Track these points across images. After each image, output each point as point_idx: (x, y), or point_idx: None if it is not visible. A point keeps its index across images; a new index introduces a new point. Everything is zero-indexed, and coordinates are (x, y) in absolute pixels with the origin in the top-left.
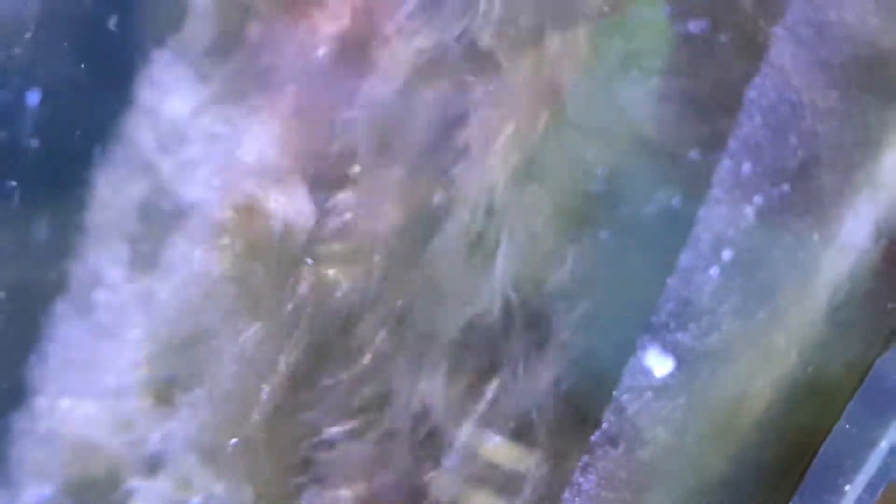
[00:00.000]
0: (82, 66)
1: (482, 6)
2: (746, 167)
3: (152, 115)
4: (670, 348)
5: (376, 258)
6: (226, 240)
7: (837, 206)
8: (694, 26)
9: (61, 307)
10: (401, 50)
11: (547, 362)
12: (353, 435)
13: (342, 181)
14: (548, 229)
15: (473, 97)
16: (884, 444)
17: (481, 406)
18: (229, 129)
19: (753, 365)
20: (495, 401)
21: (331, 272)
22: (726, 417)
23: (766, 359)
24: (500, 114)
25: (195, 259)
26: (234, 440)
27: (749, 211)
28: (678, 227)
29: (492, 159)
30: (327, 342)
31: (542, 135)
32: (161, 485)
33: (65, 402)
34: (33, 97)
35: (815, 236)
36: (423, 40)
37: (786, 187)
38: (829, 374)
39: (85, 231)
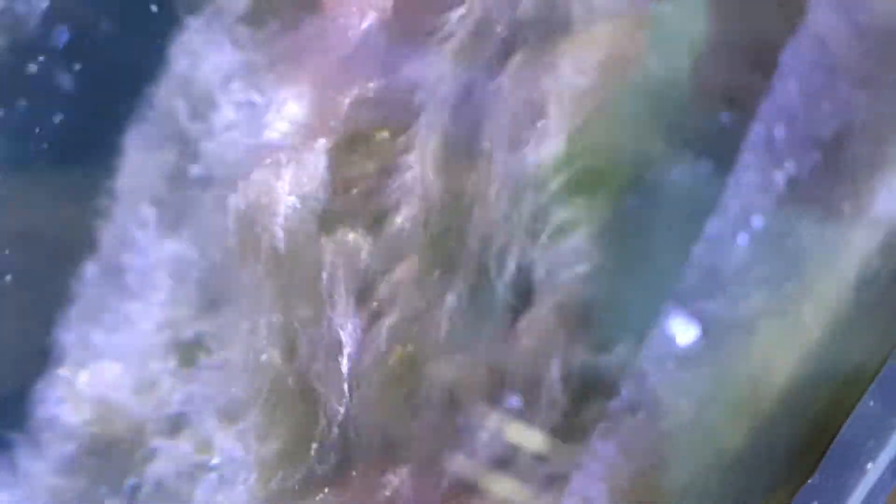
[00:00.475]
0: (115, 31)
1: None
2: (779, 133)
3: (184, 82)
4: (696, 316)
5: (404, 225)
6: (252, 205)
7: (870, 179)
8: None
9: (89, 269)
10: (440, 21)
11: (568, 328)
12: (370, 409)
13: (371, 150)
14: (577, 195)
15: (513, 69)
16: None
17: (504, 378)
18: (260, 97)
19: (778, 338)
20: (515, 371)
21: (352, 237)
22: (749, 390)
23: (792, 332)
24: (539, 87)
25: (221, 223)
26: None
27: (780, 178)
28: (707, 193)
29: (527, 132)
30: (349, 306)
31: (582, 104)
32: (183, 445)
33: (90, 363)
34: (65, 62)
35: (846, 208)
36: (466, 12)
37: (817, 156)
38: (855, 350)
39: (114, 194)
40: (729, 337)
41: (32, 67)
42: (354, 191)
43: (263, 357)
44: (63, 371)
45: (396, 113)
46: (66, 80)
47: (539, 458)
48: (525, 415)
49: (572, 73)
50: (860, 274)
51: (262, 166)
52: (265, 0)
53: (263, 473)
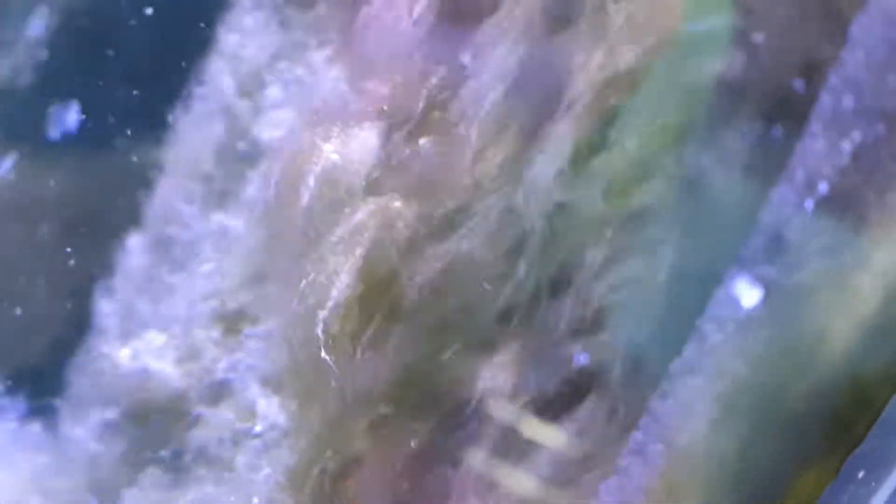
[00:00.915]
0: (167, 10)
1: None
2: (847, 103)
3: (233, 60)
4: (759, 280)
5: (444, 203)
6: (297, 181)
7: None
8: None
9: (135, 240)
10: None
11: (630, 286)
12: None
13: (416, 129)
14: (644, 153)
15: (561, 46)
16: None
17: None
18: (307, 75)
19: (837, 305)
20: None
21: (393, 209)
22: (805, 357)
23: (850, 300)
24: (588, 60)
25: (267, 198)
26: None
27: (846, 147)
28: (775, 159)
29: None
30: (384, 279)
31: (647, 62)
32: (224, 413)
33: (134, 332)
34: (117, 40)
35: None
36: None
37: (882, 127)
38: None
39: (162, 168)
40: (789, 302)
41: (86, 45)
42: (403, 169)
43: (306, 328)
44: (108, 339)
45: (447, 92)
46: (118, 58)
47: (606, 412)
48: (588, 372)
49: (620, 44)
50: None
51: (307, 143)
52: None
53: (303, 441)
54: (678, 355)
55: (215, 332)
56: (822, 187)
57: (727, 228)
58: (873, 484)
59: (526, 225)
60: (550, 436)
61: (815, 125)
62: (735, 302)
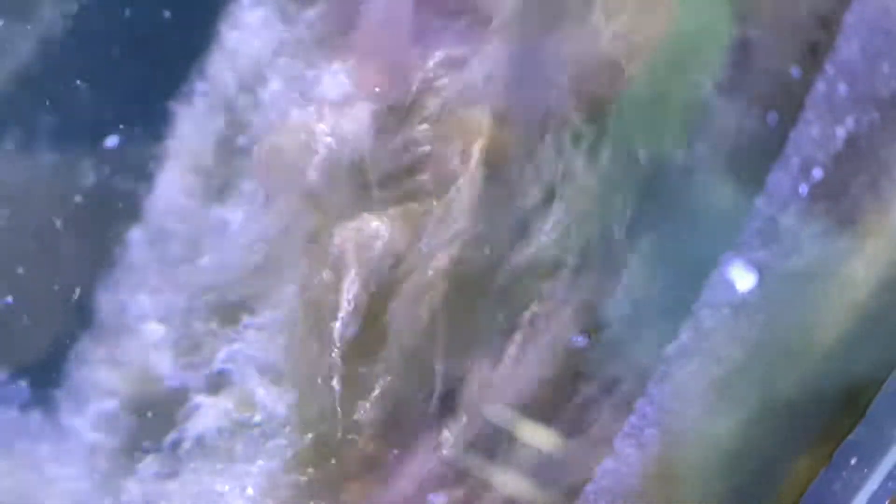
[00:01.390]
0: (170, 5)
1: None
2: (841, 91)
3: (234, 55)
4: (754, 264)
5: (440, 195)
6: (294, 177)
7: None
8: None
9: (134, 234)
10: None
11: (629, 270)
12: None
13: (413, 124)
14: (643, 139)
15: (554, 42)
16: None
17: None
18: (308, 71)
19: (831, 291)
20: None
21: (388, 216)
22: (799, 342)
23: (844, 286)
24: (585, 53)
25: (265, 199)
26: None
27: (840, 134)
28: (770, 145)
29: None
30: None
31: (649, 48)
32: (224, 402)
33: (134, 324)
34: (120, 34)
35: None
36: None
37: (876, 115)
38: None
39: (161, 162)
40: (784, 287)
41: (87, 38)
42: (397, 163)
43: (305, 321)
44: (108, 331)
45: (440, 86)
46: (120, 52)
47: (600, 399)
48: (586, 351)
49: (613, 35)
50: None
51: (305, 136)
52: None
53: (303, 430)
54: (674, 339)
55: (214, 324)
56: (817, 173)
57: (722, 213)
58: (865, 471)
59: (521, 214)
60: (545, 439)
61: (810, 112)
62: (730, 286)
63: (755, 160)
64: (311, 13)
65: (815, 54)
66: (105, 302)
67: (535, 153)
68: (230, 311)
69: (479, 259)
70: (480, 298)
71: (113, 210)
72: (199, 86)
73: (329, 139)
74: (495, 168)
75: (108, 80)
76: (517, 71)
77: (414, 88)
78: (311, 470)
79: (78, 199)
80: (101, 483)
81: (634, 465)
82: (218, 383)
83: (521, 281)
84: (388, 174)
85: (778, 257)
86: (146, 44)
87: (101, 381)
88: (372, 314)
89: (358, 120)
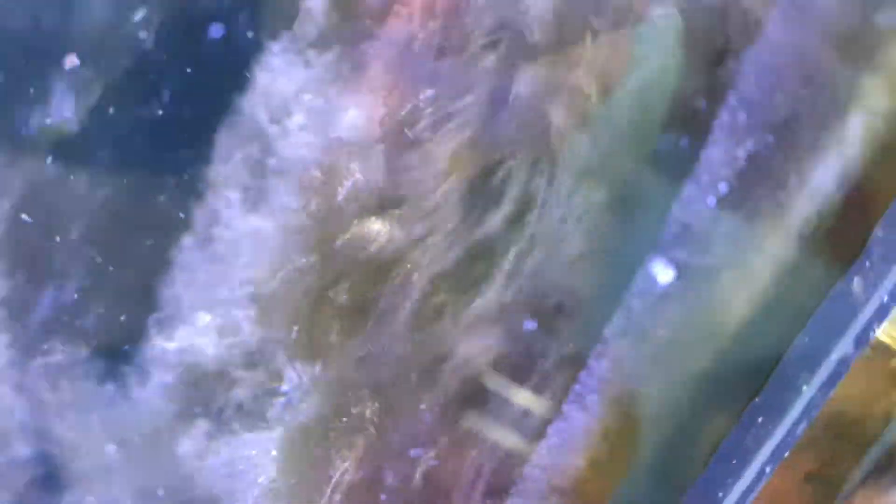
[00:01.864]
0: (213, 52)
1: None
2: (741, 118)
3: (265, 93)
4: (672, 262)
5: (439, 216)
6: (315, 192)
7: (811, 157)
8: (707, 2)
9: (187, 240)
10: (468, 41)
11: (574, 270)
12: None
13: (414, 150)
14: (589, 171)
15: (529, 82)
16: (834, 356)
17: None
18: (326, 105)
19: (735, 282)
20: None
21: (391, 224)
22: (712, 323)
23: (746, 278)
24: (556, 93)
25: (291, 205)
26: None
27: (741, 154)
28: (684, 163)
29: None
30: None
31: (590, 99)
32: (259, 375)
33: (187, 313)
34: (174, 75)
35: (792, 179)
36: (497, 37)
37: (771, 138)
38: (796, 294)
39: (207, 180)
40: (698, 280)
41: (149, 85)
42: (402, 184)
43: (320, 312)
44: (167, 319)
45: (439, 118)
46: (173, 89)
47: (550, 372)
48: (538, 338)
49: (579, 80)
50: (801, 231)
51: (325, 160)
52: (332, 29)
53: (323, 397)
54: (610, 323)
55: (251, 312)
56: (722, 187)
57: (646, 221)
58: (770, 427)
59: (488, 223)
60: (522, 396)
61: (717, 136)
62: (653, 280)
63: (672, 177)
64: (328, 57)
65: (719, 89)
66: (166, 295)
67: (504, 175)
68: (263, 302)
69: (453, 255)
70: (454, 292)
71: (170, 220)
72: (238, 118)
73: (343, 158)
74: (470, 186)
75: (164, 116)
76: (492, 107)
77: (410, 119)
78: (327, 429)
79: (142, 211)
80: (163, 442)
81: (578, 425)
82: (253, 360)
83: (485, 278)
84: (384, 187)
85: (692, 255)
86: (194, 85)
87: (163, 359)
88: (369, 295)
89: (365, 145)
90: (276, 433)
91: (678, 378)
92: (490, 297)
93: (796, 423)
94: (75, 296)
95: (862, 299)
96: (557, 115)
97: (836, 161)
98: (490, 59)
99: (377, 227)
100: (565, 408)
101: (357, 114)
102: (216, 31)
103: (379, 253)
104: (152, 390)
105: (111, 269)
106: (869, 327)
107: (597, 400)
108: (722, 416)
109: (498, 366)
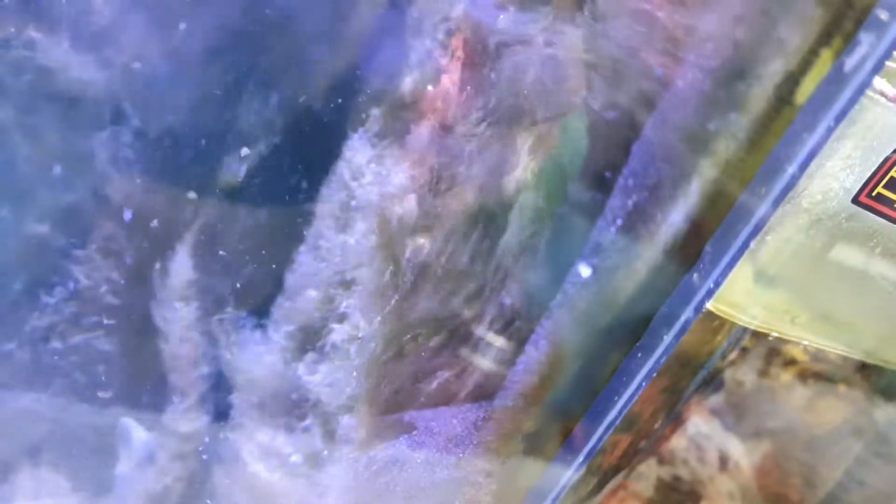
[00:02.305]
0: (311, 139)
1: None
2: (630, 182)
3: (348, 161)
4: (590, 264)
5: (451, 234)
6: (378, 225)
7: (668, 206)
8: (607, 115)
9: (301, 248)
10: (460, 124)
11: (533, 270)
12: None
13: (437, 197)
14: (537, 208)
15: (510, 149)
16: (682, 318)
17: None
18: (384, 170)
19: (627, 276)
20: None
21: (424, 239)
22: (613, 300)
23: (633, 273)
24: (511, 154)
25: (365, 231)
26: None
27: (630, 203)
28: (596, 207)
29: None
30: (420, 284)
31: (532, 163)
32: (344, 328)
33: (300, 293)
34: (280, 150)
35: (659, 217)
36: (487, 122)
37: (646, 193)
38: (661, 282)
39: (315, 213)
40: (604, 276)
41: (288, 158)
42: (429, 216)
43: (378, 296)
44: (288, 300)
45: (452, 176)
46: (283, 160)
47: (518, 327)
48: (511, 308)
49: (526, 149)
50: (662, 250)
51: (384, 203)
52: (387, 126)
53: (383, 344)
54: (555, 299)
55: (340, 290)
56: (619, 221)
57: (575, 239)
58: (644, 360)
59: (474, 242)
60: (500, 341)
61: (616, 192)
62: (579, 274)
63: (590, 215)
64: (385, 142)
65: (616, 167)
66: (289, 285)
67: (487, 214)
68: (346, 284)
69: (460, 258)
70: (459, 279)
71: (289, 239)
72: (331, 177)
73: (394, 201)
74: (470, 219)
75: (275, 173)
76: (478, 170)
77: (437, 178)
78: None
79: (267, 233)
80: (287, 371)
81: (534, 358)
82: (341, 317)
83: (480, 272)
84: (417, 218)
85: (602, 261)
86: (298, 155)
87: (287, 319)
88: (410, 278)
89: (406, 194)
90: (356, 362)
91: (592, 335)
92: (481, 282)
93: (659, 358)
94: (238, 284)
95: (699, 286)
96: (514, 175)
97: (684, 206)
98: (474, 142)
99: (420, 241)
100: (526, 348)
101: (402, 175)
102: (320, 120)
103: (417, 254)
104: (282, 334)
105: (259, 265)
106: (702, 302)
107: (545, 344)
108: (616, 353)
109: (487, 322)
